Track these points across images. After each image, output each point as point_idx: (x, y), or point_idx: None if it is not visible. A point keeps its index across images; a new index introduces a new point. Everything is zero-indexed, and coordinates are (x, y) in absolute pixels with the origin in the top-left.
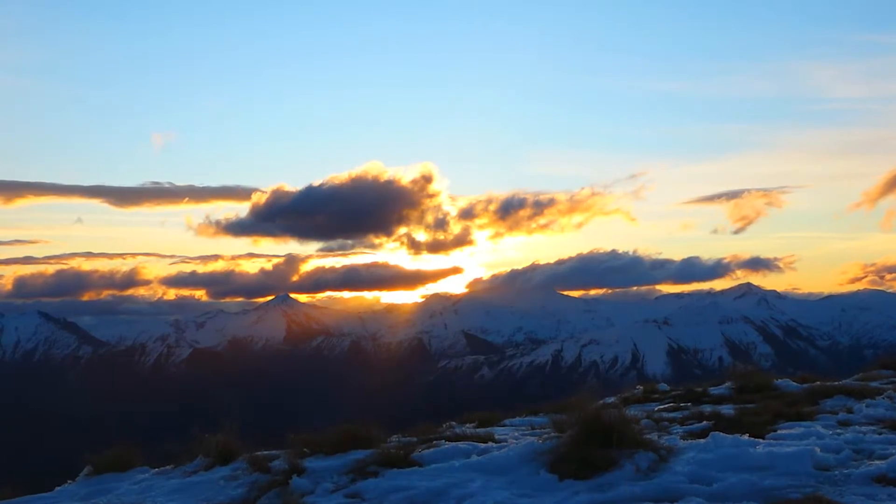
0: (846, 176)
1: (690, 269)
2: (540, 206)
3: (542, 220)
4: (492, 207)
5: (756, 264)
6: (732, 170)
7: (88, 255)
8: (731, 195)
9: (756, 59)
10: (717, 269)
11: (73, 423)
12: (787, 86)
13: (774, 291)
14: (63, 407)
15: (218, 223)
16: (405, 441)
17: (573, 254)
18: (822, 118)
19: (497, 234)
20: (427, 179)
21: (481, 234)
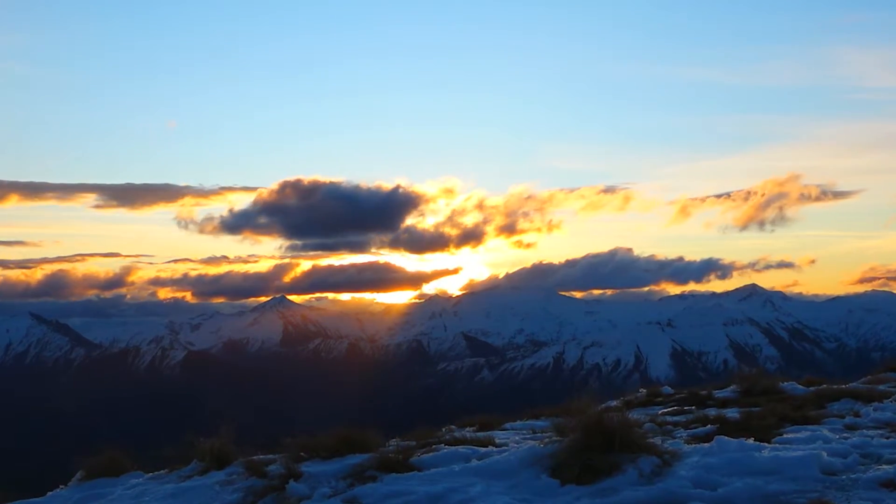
0: (880, 171)
1: (701, 269)
2: (546, 205)
3: (547, 219)
4: (491, 205)
5: (774, 264)
6: (756, 164)
7: (82, 255)
8: (753, 191)
9: (786, 44)
10: (730, 269)
11: (66, 427)
12: (820, 74)
13: (780, 293)
14: (55, 410)
15: (213, 222)
16: (404, 445)
17: (580, 254)
18: (857, 109)
19: (499, 233)
20: (448, 190)
21: (482, 233)
